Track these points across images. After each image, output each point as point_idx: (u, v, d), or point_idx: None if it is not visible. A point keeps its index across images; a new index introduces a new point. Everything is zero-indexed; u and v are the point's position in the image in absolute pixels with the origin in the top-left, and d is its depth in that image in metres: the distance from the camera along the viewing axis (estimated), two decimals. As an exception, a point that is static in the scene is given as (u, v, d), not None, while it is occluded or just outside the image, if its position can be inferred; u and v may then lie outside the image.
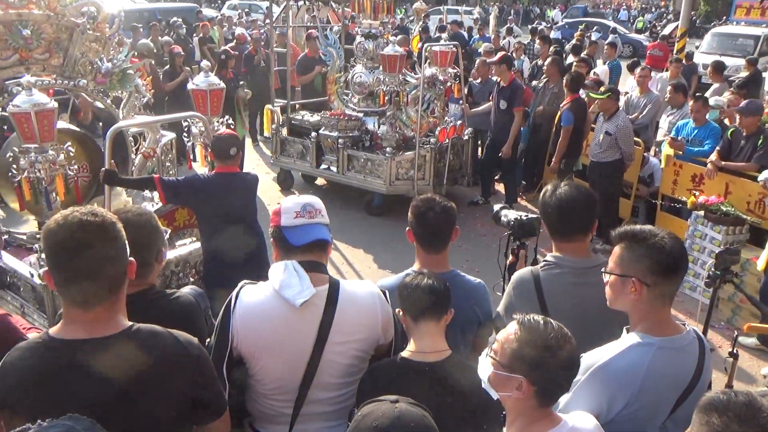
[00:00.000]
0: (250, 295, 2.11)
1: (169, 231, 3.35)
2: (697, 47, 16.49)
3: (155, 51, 10.11)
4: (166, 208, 4.40)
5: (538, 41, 11.47)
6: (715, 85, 9.02)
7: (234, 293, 2.12)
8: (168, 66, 9.17)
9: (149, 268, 2.19)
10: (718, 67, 9.31)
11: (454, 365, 2.12)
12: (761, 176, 5.52)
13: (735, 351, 2.82)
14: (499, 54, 8.23)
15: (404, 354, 2.15)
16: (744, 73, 10.53)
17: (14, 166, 3.83)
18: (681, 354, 1.93)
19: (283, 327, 2.07)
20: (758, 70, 10.95)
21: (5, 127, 5.06)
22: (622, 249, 1.97)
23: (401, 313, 2.20)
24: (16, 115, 3.61)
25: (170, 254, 4.20)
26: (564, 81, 7.22)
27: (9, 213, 4.89)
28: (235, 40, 11.42)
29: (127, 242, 1.69)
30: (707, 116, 6.66)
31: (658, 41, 15.24)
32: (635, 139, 6.81)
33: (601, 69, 10.25)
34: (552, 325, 1.68)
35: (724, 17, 24.63)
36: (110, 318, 1.65)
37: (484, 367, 1.74)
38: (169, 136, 5.25)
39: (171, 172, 5.24)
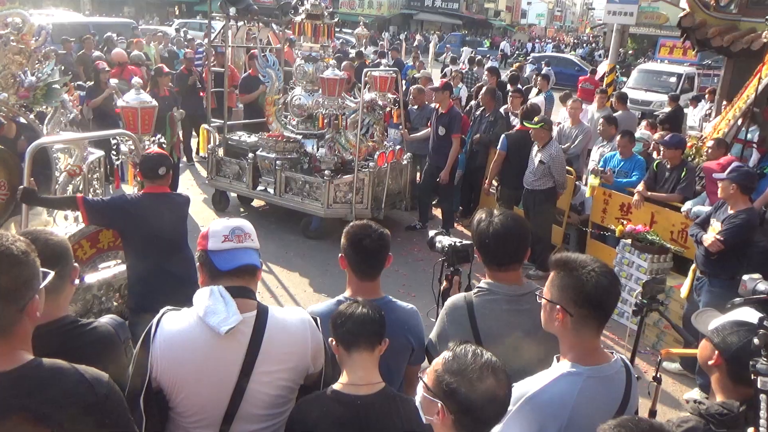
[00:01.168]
0: (172, 323, 2.01)
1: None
2: (624, 82, 17.32)
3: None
4: (89, 229, 4.20)
5: (486, 72, 11.77)
6: (619, 112, 9.51)
7: (155, 320, 2.01)
8: (93, 82, 8.86)
9: (61, 289, 2.05)
10: (621, 98, 9.99)
11: (387, 398, 2.07)
12: (684, 207, 5.79)
13: (659, 376, 2.89)
14: (441, 81, 8.37)
15: (335, 386, 2.08)
16: (667, 109, 11.14)
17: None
18: (609, 383, 1.95)
19: (206, 356, 1.97)
20: (680, 106, 11.60)
21: None
22: (554, 275, 1.99)
23: (334, 342, 2.14)
24: (-74, 127, 3.38)
25: (93, 277, 4.01)
26: (520, 111, 7.42)
27: None
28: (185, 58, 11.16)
29: (37, 277, 1.57)
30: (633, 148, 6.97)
31: (588, 75, 15.93)
32: (567, 168, 7.02)
33: (538, 99, 10.58)
34: (481, 356, 1.64)
35: (650, 55, 26.06)
36: (7, 352, 1.53)
37: (419, 389, 1.72)
38: (97, 153, 5.04)
39: (98, 191, 5.02)
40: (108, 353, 2.06)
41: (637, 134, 7.55)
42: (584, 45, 43.85)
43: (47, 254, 1.84)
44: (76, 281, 2.17)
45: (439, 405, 1.60)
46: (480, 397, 1.58)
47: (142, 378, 1.95)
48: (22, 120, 4.76)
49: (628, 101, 10.51)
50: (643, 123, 9.12)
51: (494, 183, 7.49)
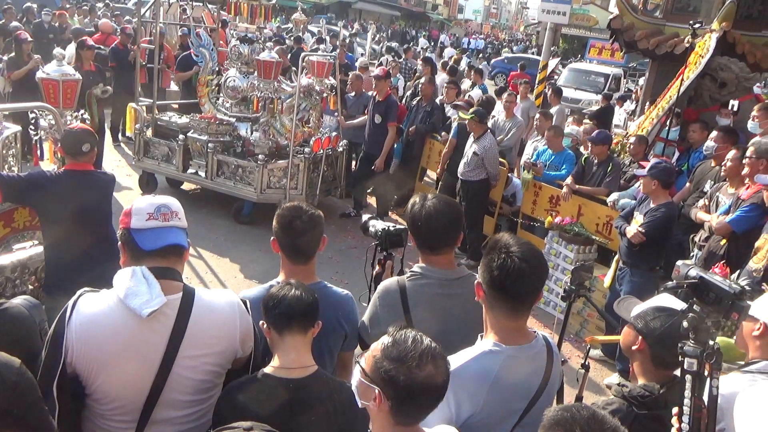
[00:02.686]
0: (89, 305, 1.90)
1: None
2: (555, 80, 17.82)
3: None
4: (3, 207, 3.92)
5: (419, 62, 11.86)
6: (554, 107, 9.95)
7: (70, 302, 1.90)
8: (14, 53, 8.32)
9: None
10: (557, 92, 10.54)
11: (320, 381, 2.04)
12: (610, 198, 6.01)
13: (587, 363, 2.97)
14: (381, 69, 8.35)
15: (266, 370, 2.03)
16: (598, 106, 11.59)
17: None
18: (530, 362, 1.99)
19: (126, 340, 1.88)
20: (610, 104, 12.09)
21: None
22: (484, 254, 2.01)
23: (265, 325, 2.08)
24: None
25: (6, 258, 3.76)
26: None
27: None
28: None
29: None
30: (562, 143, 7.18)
31: (520, 71, 16.35)
32: (500, 160, 7.15)
33: (475, 93, 10.73)
34: (421, 342, 1.61)
35: (580, 55, 26.94)
36: None
37: (355, 373, 1.68)
38: (14, 128, 4.73)
39: (14, 168, 4.71)
40: (20, 336, 1.93)
41: (566, 130, 7.77)
42: (518, 43, 44.82)
43: None
44: None
45: (377, 391, 1.57)
46: (419, 386, 1.55)
47: (56, 363, 1.84)
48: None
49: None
50: (570, 119, 9.42)
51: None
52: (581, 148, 7.53)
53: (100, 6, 17.84)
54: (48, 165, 4.47)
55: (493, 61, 24.32)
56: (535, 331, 2.06)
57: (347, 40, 18.62)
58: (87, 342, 1.86)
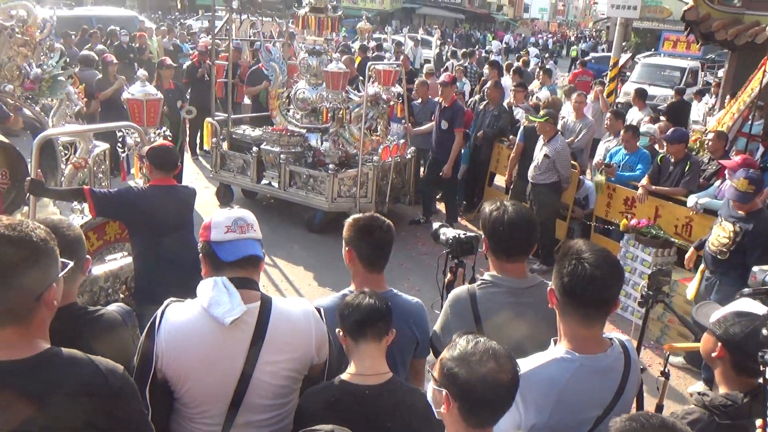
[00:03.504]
0: (176, 314, 2.02)
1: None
2: (628, 76, 17.24)
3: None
4: (96, 221, 4.21)
5: (486, 66, 11.79)
6: (635, 108, 9.48)
7: (159, 312, 2.02)
8: (101, 75, 8.86)
9: (73, 279, 2.06)
10: (641, 94, 9.75)
11: (395, 388, 2.08)
12: (690, 201, 5.78)
13: (666, 370, 2.88)
14: (447, 75, 8.36)
15: (343, 376, 2.10)
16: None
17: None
18: (604, 373, 1.95)
19: (211, 347, 1.98)
20: (684, 99, 11.55)
21: None
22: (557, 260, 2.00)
23: (341, 333, 2.15)
24: (-68, 119, 3.39)
25: (99, 269, 4.03)
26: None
27: None
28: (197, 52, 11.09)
29: (55, 265, 1.57)
30: (638, 142, 6.96)
31: (582, 68, 15.91)
32: (572, 162, 7.02)
33: (543, 94, 10.56)
34: (483, 343, 1.64)
35: (653, 49, 25.93)
36: (24, 340, 1.53)
37: (428, 381, 1.73)
38: (103, 146, 5.05)
39: (104, 184, 5.03)
40: (115, 340, 2.08)
41: (642, 128, 7.53)
42: (587, 39, 43.64)
43: (64, 244, 1.85)
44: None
45: (444, 393, 1.61)
46: (480, 381, 1.57)
47: (147, 369, 1.96)
48: (27, 112, 4.78)
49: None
50: (646, 117, 9.10)
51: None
52: (656, 147, 7.29)
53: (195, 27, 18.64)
54: (135, 180, 4.74)
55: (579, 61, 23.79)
56: (611, 339, 2.03)
57: (410, 48, 18.78)
58: (175, 349, 1.97)
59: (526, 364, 1.91)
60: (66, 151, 4.88)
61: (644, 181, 6.27)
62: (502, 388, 1.61)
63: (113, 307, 2.32)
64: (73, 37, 12.51)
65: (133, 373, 1.96)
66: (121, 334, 2.17)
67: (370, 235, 2.45)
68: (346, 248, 2.51)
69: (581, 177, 7.36)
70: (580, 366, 1.91)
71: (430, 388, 1.70)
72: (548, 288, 2.01)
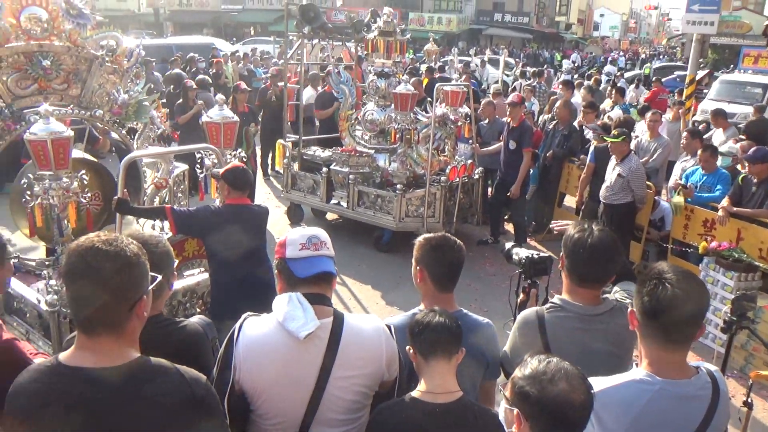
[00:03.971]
0: (253, 328, 2.09)
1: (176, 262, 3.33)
2: (705, 93, 16.59)
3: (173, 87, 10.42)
4: (175, 239, 4.40)
5: (560, 86, 11.66)
6: (719, 130, 9.06)
7: (237, 326, 2.09)
8: (181, 99, 9.31)
9: (161, 292, 2.18)
10: (719, 113, 9.35)
11: (466, 407, 2.07)
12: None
13: (750, 400, 2.73)
14: (516, 95, 8.32)
15: (414, 394, 2.10)
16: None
17: (28, 192, 3.86)
18: (687, 400, 1.87)
19: (286, 360, 2.04)
20: (765, 117, 10.98)
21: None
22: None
23: (411, 351, 2.16)
24: (32, 142, 3.65)
25: (178, 284, 4.20)
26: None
27: (12, 240, 4.91)
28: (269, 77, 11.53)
29: (146, 278, 1.67)
30: (719, 163, 6.69)
31: (659, 86, 15.42)
32: (647, 182, 6.81)
33: (615, 113, 10.32)
34: (555, 363, 1.64)
35: (732, 65, 24.88)
36: (117, 348, 1.63)
37: (501, 401, 1.73)
38: (182, 167, 5.29)
39: (183, 203, 5.26)
40: (197, 350, 2.17)
41: (723, 148, 7.24)
42: (660, 57, 42.38)
43: (155, 258, 1.97)
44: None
45: (515, 412, 1.60)
46: (552, 401, 1.56)
47: (226, 380, 2.03)
48: (115, 135, 5.08)
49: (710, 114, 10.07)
50: (731, 139, 8.71)
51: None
52: (738, 167, 6.98)
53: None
54: (212, 199, 4.94)
55: (664, 79, 23.12)
56: (698, 367, 1.95)
57: (476, 69, 18.79)
58: (251, 362, 2.04)
59: (602, 383, 1.87)
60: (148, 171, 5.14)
61: (725, 202, 6.01)
62: (574, 409, 1.59)
63: (195, 319, 2.42)
64: (153, 64, 13.21)
65: (212, 383, 2.04)
66: (202, 345, 2.26)
67: (442, 254, 2.46)
68: (417, 267, 2.52)
69: (657, 198, 7.12)
70: (660, 390, 1.84)
71: (501, 407, 1.69)
72: (628, 310, 1.96)
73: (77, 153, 4.81)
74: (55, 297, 3.82)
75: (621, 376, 1.91)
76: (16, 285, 4.15)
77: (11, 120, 4.23)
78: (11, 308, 4.23)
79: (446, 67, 16.03)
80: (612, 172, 6.53)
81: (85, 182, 4.12)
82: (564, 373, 1.60)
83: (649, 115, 8.27)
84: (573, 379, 1.60)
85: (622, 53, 46.26)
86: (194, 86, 9.36)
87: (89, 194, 4.35)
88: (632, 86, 17.10)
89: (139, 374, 1.62)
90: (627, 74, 24.50)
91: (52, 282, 3.95)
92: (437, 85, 7.95)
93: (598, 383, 1.87)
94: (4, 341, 2.17)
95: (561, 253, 2.43)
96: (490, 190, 8.55)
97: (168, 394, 1.63)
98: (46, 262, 4.28)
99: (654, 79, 17.11)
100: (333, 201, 7.89)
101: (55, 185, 3.75)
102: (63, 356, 1.64)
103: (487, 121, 8.75)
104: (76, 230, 3.90)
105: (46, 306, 3.80)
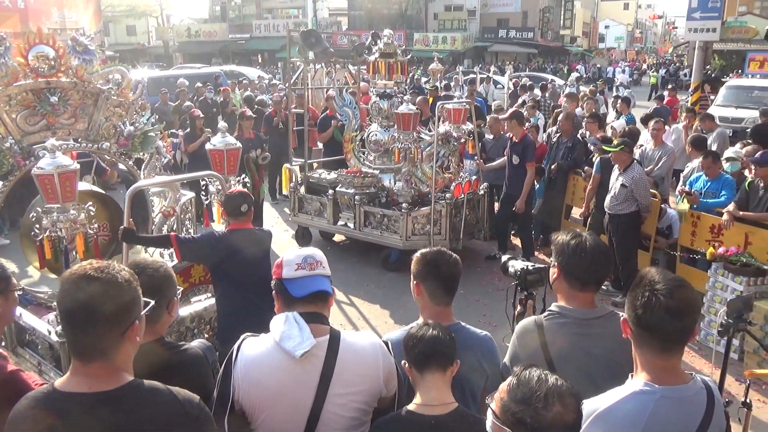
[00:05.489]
0: (250, 348, 2.14)
1: (182, 289, 3.39)
2: (712, 100, 16.55)
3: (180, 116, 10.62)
4: (181, 265, 4.48)
5: (564, 98, 11.72)
6: (714, 132, 9.20)
7: (235, 346, 2.15)
8: (189, 129, 9.47)
9: (158, 316, 2.23)
10: (708, 118, 9.52)
11: (461, 418, 2.09)
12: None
13: (748, 401, 2.72)
14: (510, 110, 8.38)
15: (410, 407, 2.13)
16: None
17: (37, 225, 3.96)
18: (686, 404, 1.89)
19: (283, 379, 2.08)
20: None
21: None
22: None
23: (406, 364, 2.20)
24: (40, 176, 3.75)
25: (185, 310, 4.25)
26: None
27: (28, 272, 5.01)
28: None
29: (138, 304, 1.73)
30: (728, 168, 6.68)
31: (672, 95, 15.41)
32: (652, 191, 6.81)
33: (618, 123, 10.34)
34: (547, 380, 1.63)
35: (739, 70, 24.80)
36: (110, 372, 1.68)
37: (488, 415, 1.73)
38: (189, 195, 5.39)
39: (191, 230, 5.35)
40: (197, 373, 2.22)
41: (730, 153, 7.22)
42: (668, 65, 42.29)
43: (155, 282, 2.03)
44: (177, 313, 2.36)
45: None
46: (547, 426, 1.57)
47: (225, 400, 2.08)
48: (122, 166, 5.18)
49: (718, 119, 10.04)
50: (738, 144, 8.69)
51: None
52: (746, 172, 6.95)
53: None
54: (217, 225, 5.01)
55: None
56: (692, 374, 1.97)
57: (480, 85, 18.91)
58: (249, 381, 2.08)
59: (603, 401, 1.87)
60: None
61: (731, 206, 5.99)
62: (567, 429, 1.60)
63: (195, 343, 2.48)
64: (167, 94, 13.47)
65: (213, 404, 2.09)
66: (202, 367, 2.31)
67: (438, 269, 2.51)
68: (414, 282, 2.58)
69: (663, 206, 7.11)
70: (661, 398, 1.85)
71: (489, 420, 1.70)
72: (621, 318, 1.98)
73: (84, 185, 4.92)
74: (66, 327, 3.88)
75: (621, 389, 1.92)
76: (28, 317, 4.23)
77: (21, 156, 4.34)
78: (23, 341, 4.31)
79: (451, 84, 16.17)
80: (615, 182, 6.54)
81: (93, 213, 4.22)
82: (555, 393, 1.60)
83: (651, 123, 8.28)
84: (565, 398, 1.61)
85: (627, 63, 46.20)
86: (201, 115, 9.52)
87: (97, 225, 4.43)
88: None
89: (133, 397, 1.67)
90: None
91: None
92: (439, 103, 8.03)
93: (600, 401, 1.89)
94: (8, 372, 2.23)
95: (552, 264, 2.46)
96: (496, 205, 8.58)
97: (161, 414, 1.68)
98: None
99: (669, 87, 17.06)
100: (340, 222, 7.96)
101: (62, 217, 3.85)
102: (58, 382, 1.69)
103: (492, 136, 8.81)
104: (84, 261, 3.97)
105: (57, 337, 3.87)
